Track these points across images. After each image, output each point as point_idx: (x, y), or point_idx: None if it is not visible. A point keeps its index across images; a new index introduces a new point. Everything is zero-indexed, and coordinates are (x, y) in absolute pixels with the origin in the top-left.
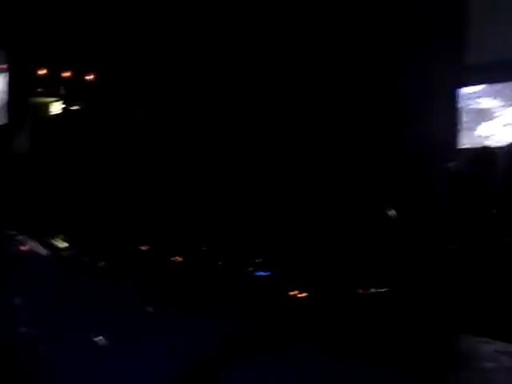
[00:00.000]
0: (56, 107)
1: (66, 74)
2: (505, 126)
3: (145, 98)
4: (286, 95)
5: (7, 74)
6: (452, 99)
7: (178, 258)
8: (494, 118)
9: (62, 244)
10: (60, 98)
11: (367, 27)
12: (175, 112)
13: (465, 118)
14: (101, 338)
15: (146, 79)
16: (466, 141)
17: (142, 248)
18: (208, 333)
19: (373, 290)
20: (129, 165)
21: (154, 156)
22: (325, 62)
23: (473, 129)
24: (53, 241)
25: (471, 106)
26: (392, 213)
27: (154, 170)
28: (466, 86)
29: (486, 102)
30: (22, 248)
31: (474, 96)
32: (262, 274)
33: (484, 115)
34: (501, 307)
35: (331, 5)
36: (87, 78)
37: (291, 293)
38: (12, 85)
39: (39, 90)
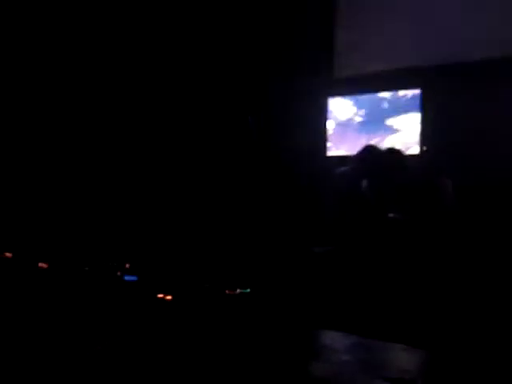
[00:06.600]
0: None
1: None
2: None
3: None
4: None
5: None
6: (322, 110)
7: (43, 265)
8: (360, 128)
9: None
10: None
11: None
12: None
13: (333, 129)
14: None
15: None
16: (334, 151)
17: (6, 255)
18: None
19: (238, 290)
20: None
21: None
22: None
23: (340, 139)
24: None
25: (339, 117)
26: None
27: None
28: (334, 97)
29: (352, 113)
30: None
31: (341, 107)
32: (131, 278)
33: (350, 126)
34: (360, 304)
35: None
36: None
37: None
38: None
39: None
